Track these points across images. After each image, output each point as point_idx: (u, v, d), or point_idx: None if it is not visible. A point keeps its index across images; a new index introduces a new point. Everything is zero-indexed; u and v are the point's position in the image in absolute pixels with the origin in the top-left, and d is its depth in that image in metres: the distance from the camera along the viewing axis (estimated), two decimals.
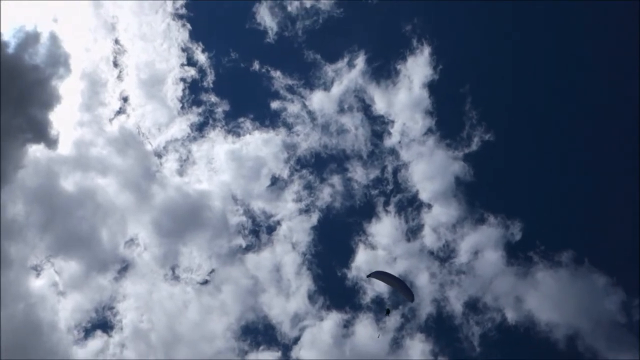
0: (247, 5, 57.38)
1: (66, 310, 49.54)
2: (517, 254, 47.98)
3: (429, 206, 51.85)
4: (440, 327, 47.92)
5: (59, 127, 51.68)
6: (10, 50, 49.00)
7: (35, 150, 50.52)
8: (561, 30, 53.04)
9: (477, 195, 50.92)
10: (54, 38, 52.52)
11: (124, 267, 51.82)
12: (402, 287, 34.54)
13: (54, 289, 49.89)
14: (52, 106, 50.24)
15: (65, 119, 53.91)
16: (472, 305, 47.81)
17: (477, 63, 54.80)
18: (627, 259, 45.17)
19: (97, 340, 49.23)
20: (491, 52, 54.74)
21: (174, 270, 52.27)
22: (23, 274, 48.25)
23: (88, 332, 49.25)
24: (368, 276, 36.96)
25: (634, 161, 47.10)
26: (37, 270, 49.66)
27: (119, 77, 57.46)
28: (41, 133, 49.43)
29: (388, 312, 43.10)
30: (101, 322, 50.00)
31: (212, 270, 52.51)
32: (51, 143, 50.43)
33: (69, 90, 54.39)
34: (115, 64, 57.43)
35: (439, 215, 51.30)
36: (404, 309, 47.47)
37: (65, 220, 51.21)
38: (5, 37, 49.49)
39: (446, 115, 53.92)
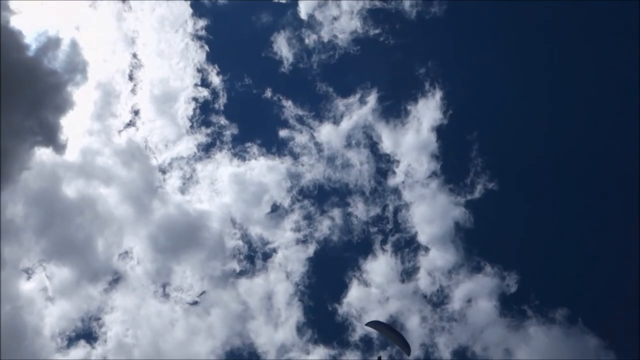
0: (266, 34, 59.14)
1: (52, 317, 49.73)
2: (511, 306, 48.13)
3: (427, 249, 52.29)
4: None
5: (68, 133, 53.08)
6: (30, 53, 50.47)
7: (42, 154, 51.49)
8: (573, 85, 54.29)
9: (475, 243, 51.27)
10: (74, 45, 53.96)
11: (115, 279, 52.14)
12: (399, 340, 34.79)
13: (43, 294, 50.13)
14: (65, 112, 51.45)
15: (75, 125, 55.16)
16: (461, 354, 47.80)
17: (486, 111, 56.10)
18: (621, 323, 45.27)
19: (80, 350, 49.35)
20: (502, 101, 56.02)
21: (165, 287, 52.52)
22: (14, 275, 48.69)
23: (72, 340, 49.38)
24: (366, 325, 37.41)
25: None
26: (28, 273, 50.08)
27: (133, 91, 58.88)
28: (51, 137, 50.41)
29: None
30: (86, 332, 50.13)
31: (203, 292, 52.67)
32: (59, 148, 51.32)
33: (83, 98, 55.68)
34: (131, 77, 58.93)
35: (435, 259, 51.65)
36: (391, 350, 47.29)
37: (63, 225, 51.74)
38: (27, 40, 50.88)
39: (452, 160, 54.81)
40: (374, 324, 36.46)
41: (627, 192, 48.86)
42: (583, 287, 48.11)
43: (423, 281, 51.03)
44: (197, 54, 58.98)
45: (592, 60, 53.71)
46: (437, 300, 50.13)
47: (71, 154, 53.96)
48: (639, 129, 48.78)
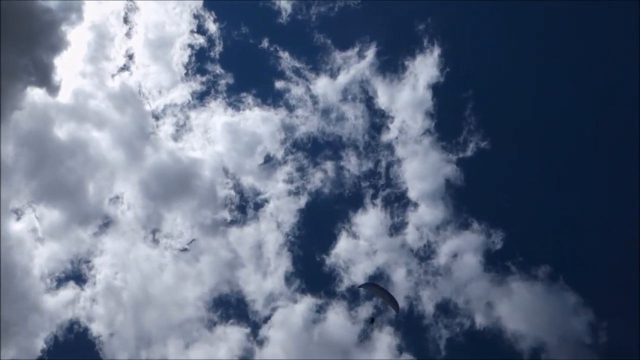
0: None
1: (42, 257, 51.28)
2: (495, 261, 50.32)
3: (416, 205, 54.12)
4: (410, 325, 50.01)
5: (61, 74, 53.71)
6: None
7: (35, 94, 52.26)
8: (569, 47, 55.78)
9: (464, 200, 53.17)
10: None
11: (106, 223, 53.63)
12: (389, 299, 37.31)
13: (33, 235, 51.56)
14: (59, 51, 51.96)
15: (68, 67, 55.89)
16: (444, 308, 50.07)
17: (483, 71, 57.13)
18: (600, 282, 47.95)
19: (69, 291, 51.11)
20: (499, 61, 57.25)
21: (155, 234, 54.17)
22: (4, 216, 49.60)
23: (61, 282, 51.09)
24: (359, 287, 39.77)
25: (626, 189, 49.93)
26: (17, 214, 51.38)
27: (128, 34, 59.39)
28: (45, 77, 51.02)
29: (372, 321, 45.47)
30: (75, 274, 51.83)
31: (193, 240, 54.35)
32: (53, 89, 52.05)
33: (77, 39, 56.34)
34: (126, 20, 59.33)
35: (424, 214, 53.53)
36: (377, 301, 49.54)
37: (54, 167, 53.07)
38: None
39: (446, 118, 56.22)
40: (367, 285, 39.15)
41: (611, 158, 51.56)
42: (566, 246, 50.46)
43: (411, 236, 53.14)
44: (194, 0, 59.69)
45: (590, 25, 55.31)
46: (424, 255, 52.35)
47: (63, 96, 54.99)
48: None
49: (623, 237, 48.77)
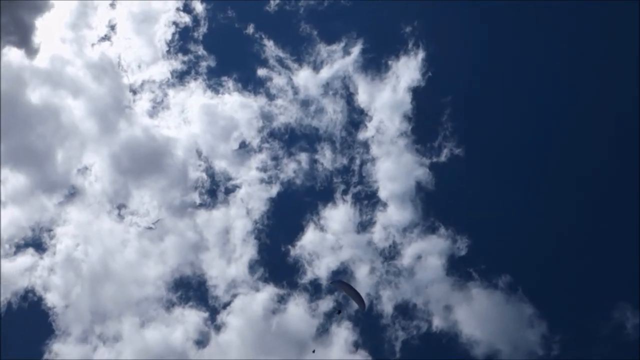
0: None
1: (2, 221, 50.58)
2: (458, 267, 51.66)
3: (385, 205, 55.19)
4: (368, 323, 50.79)
5: (41, 38, 53.78)
6: None
7: (12, 54, 52.32)
8: (548, 66, 57.95)
9: (433, 205, 54.53)
10: None
11: (72, 194, 53.76)
12: (357, 298, 38.46)
13: None
14: (42, 13, 51.95)
15: (49, 30, 55.84)
16: (403, 309, 51.03)
17: (464, 78, 59.08)
18: (557, 297, 49.80)
19: (27, 258, 50.97)
20: (481, 70, 59.20)
21: (121, 209, 54.37)
22: None
23: (19, 248, 50.88)
24: (331, 283, 40.71)
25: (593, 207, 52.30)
26: None
27: (112, 5, 59.89)
28: (24, 38, 51.09)
29: (339, 312, 46.47)
30: (36, 242, 51.73)
31: (158, 220, 54.52)
32: (31, 51, 52.16)
33: (60, 3, 56.33)
34: None
35: (392, 215, 54.65)
36: (338, 296, 50.50)
37: (23, 131, 52.99)
38: None
39: (423, 121, 57.62)
40: (338, 282, 40.24)
41: (581, 174, 53.69)
42: (528, 258, 51.93)
43: (378, 235, 54.20)
44: None
45: (570, 34, 57.75)
46: (389, 255, 53.35)
47: (41, 60, 55.02)
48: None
49: (585, 255, 51.03)
